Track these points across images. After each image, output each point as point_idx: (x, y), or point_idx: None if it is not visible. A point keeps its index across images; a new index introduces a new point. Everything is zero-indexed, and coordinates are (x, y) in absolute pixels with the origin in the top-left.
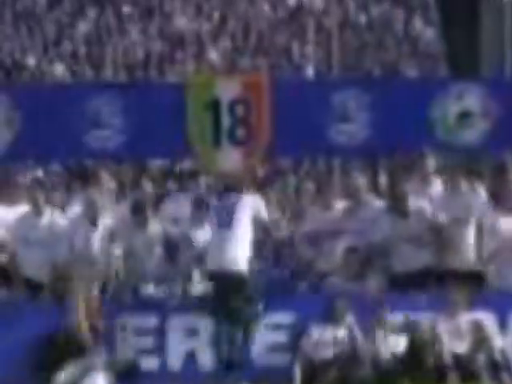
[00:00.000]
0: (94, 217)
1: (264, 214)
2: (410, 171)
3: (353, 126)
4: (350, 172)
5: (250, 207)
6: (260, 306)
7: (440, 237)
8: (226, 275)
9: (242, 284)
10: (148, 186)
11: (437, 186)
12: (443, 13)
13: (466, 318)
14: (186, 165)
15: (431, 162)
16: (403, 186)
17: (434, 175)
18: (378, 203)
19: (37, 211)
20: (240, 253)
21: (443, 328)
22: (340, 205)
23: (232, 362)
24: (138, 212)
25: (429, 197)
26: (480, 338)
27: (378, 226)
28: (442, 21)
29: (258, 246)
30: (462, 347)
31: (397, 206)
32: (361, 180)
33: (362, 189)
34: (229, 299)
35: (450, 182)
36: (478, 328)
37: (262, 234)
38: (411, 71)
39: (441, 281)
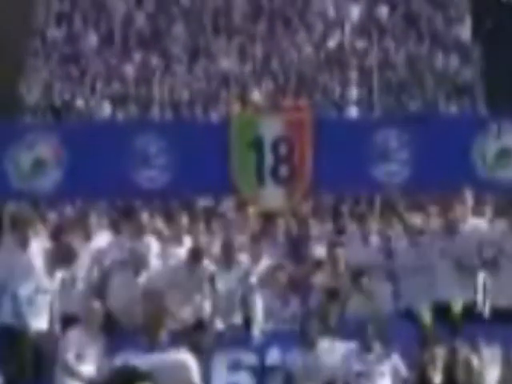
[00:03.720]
0: (138, 268)
1: None
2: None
3: (394, 164)
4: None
5: None
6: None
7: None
8: None
9: None
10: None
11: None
12: (482, 51)
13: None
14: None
15: (470, 198)
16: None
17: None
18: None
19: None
20: None
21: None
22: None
23: None
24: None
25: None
26: (469, 374)
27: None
28: (480, 59)
29: None
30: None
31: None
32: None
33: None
34: None
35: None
36: (467, 364)
37: None
38: (450, 109)
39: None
